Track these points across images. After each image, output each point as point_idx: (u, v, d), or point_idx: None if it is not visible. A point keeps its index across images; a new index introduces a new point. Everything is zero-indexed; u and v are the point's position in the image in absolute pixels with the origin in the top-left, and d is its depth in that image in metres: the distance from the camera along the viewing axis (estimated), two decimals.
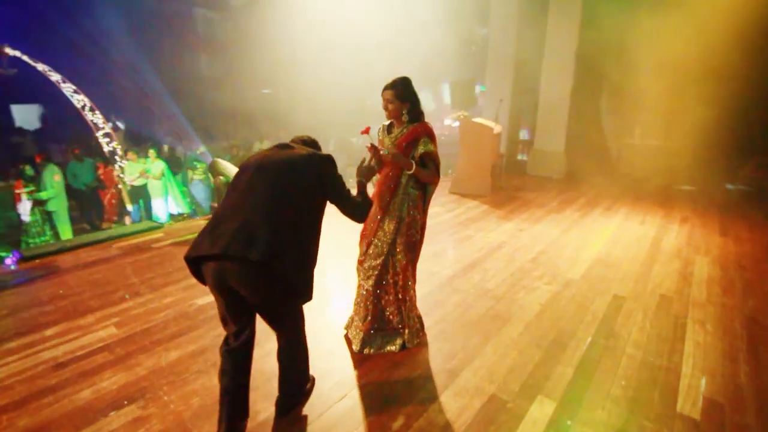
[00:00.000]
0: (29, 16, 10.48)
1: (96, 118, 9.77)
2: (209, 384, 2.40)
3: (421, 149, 2.41)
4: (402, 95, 2.37)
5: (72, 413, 2.21)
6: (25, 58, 8.81)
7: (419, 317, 2.83)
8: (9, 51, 8.82)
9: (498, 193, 7.00)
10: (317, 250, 1.93)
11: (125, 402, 2.28)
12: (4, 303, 3.38)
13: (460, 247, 4.58)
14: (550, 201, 6.59)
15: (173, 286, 3.68)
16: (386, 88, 2.38)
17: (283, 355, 2.04)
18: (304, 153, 1.94)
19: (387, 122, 2.58)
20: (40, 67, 8.94)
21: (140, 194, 8.00)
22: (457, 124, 6.82)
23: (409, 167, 2.37)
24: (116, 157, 9.61)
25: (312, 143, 2.20)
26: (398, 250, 2.53)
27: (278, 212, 1.74)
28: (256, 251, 1.63)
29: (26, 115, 15.92)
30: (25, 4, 9.51)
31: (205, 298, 3.40)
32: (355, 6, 9.54)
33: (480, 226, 5.31)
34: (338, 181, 1.95)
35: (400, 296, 2.60)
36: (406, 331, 2.65)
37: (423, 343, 2.77)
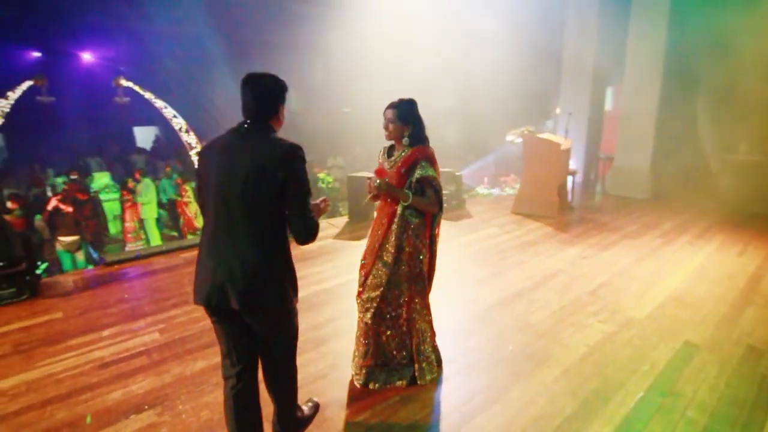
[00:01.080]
0: (142, 51, 12.32)
1: (190, 138, 10.97)
2: (220, 399, 2.45)
3: (418, 173, 2.24)
4: (404, 117, 2.25)
5: (100, 412, 2.41)
6: (136, 88, 10.29)
7: (436, 350, 2.62)
8: (123, 82, 10.36)
9: (566, 215, 6.41)
10: (289, 254, 1.77)
11: (146, 407, 2.43)
12: (80, 304, 3.84)
13: (508, 274, 4.24)
14: (628, 225, 5.86)
15: None
16: (388, 107, 2.27)
17: (273, 379, 1.95)
18: (270, 146, 1.64)
19: (388, 144, 2.46)
20: (147, 95, 10.36)
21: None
22: (519, 141, 6.42)
23: (405, 199, 2.21)
24: None
25: (263, 115, 1.72)
26: (401, 281, 2.35)
27: (250, 240, 1.64)
28: (236, 302, 1.63)
29: (145, 136, 18.56)
30: (141, 42, 11.21)
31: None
32: (422, 26, 9.60)
33: (538, 250, 4.88)
34: (302, 188, 1.66)
35: (404, 329, 2.43)
36: (416, 365, 2.48)
37: (440, 379, 2.56)
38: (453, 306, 3.61)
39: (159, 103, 10.56)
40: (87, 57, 13.86)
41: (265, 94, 1.71)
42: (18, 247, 4.01)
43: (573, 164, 8.33)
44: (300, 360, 2.76)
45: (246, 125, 1.70)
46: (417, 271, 2.35)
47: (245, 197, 1.61)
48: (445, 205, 6.58)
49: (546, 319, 3.31)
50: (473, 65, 9.04)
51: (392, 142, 2.39)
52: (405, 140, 2.28)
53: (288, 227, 1.72)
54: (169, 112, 10.65)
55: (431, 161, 2.28)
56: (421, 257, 2.36)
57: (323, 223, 6.41)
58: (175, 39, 12.13)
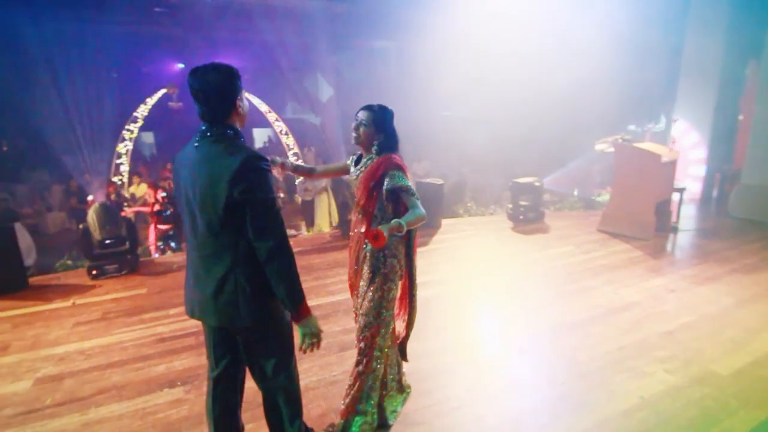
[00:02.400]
0: (255, 62, 13.86)
1: (289, 140, 11.90)
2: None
3: (388, 184, 1.94)
4: (378, 123, 2.01)
5: (144, 381, 2.74)
6: (246, 93, 11.48)
7: (381, 407, 2.20)
8: (170, 89, 11.32)
9: (665, 238, 5.50)
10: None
11: (179, 383, 2.70)
12: (162, 283, 4.42)
13: (571, 300, 3.79)
14: (743, 256, 4.82)
15: None
16: (363, 108, 2.04)
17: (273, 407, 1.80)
18: (226, 157, 1.48)
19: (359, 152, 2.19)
20: (255, 100, 11.53)
21: (309, 208, 9.33)
22: (611, 150, 5.68)
23: (400, 230, 1.78)
24: None
25: (218, 116, 1.55)
26: (370, 307, 2.04)
27: (216, 256, 1.56)
28: (213, 318, 1.61)
29: (260, 136, 20.87)
30: (255, 55, 12.66)
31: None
32: (518, 28, 9.08)
33: (614, 276, 4.28)
34: (262, 206, 1.48)
35: (360, 368, 2.08)
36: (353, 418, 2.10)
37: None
38: (492, 329, 3.35)
39: (264, 108, 11.66)
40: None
41: (214, 91, 1.50)
42: (123, 230, 4.77)
43: (684, 178, 7.16)
44: (320, 362, 2.84)
45: (202, 131, 1.55)
46: (390, 297, 2.05)
47: (204, 213, 1.52)
48: (521, 217, 6.23)
49: (598, 357, 2.88)
50: (566, 65, 8.28)
51: (360, 150, 2.15)
52: (374, 148, 2.03)
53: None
54: (272, 116, 11.69)
55: (401, 169, 1.98)
56: (395, 278, 2.05)
57: None
58: (284, 49, 13.41)
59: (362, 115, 2.03)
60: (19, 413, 2.45)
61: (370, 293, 2.03)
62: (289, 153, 11.87)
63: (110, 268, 4.54)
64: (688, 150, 7.45)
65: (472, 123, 13.70)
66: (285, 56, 15.66)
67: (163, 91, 10.75)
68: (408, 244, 2.13)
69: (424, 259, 4.92)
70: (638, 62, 7.26)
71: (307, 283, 4.27)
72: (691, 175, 7.60)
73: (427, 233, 5.93)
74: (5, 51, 10.26)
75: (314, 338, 1.61)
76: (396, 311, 2.15)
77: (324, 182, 7.56)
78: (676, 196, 5.91)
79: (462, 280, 4.30)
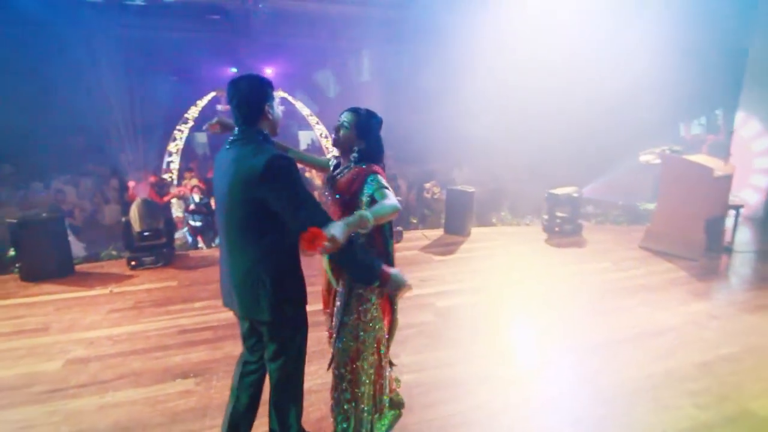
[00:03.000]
0: (303, 67, 14.39)
1: (328, 143, 12.13)
2: None
3: (367, 193, 1.77)
4: (361, 128, 1.85)
5: (160, 370, 2.87)
6: (289, 97, 11.91)
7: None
8: (280, 93, 12.06)
9: (715, 259, 5.04)
10: (289, 266, 1.72)
11: (191, 375, 2.80)
12: (192, 277, 4.62)
13: (598, 320, 3.56)
14: None
15: None
16: (347, 110, 1.89)
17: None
18: (252, 157, 1.58)
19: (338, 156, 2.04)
20: (298, 104, 11.88)
21: None
22: (657, 162, 5.30)
23: (364, 224, 1.48)
24: None
25: (249, 120, 1.67)
26: (346, 331, 1.89)
27: (241, 250, 1.67)
28: (238, 309, 1.74)
29: (305, 139, 21.51)
30: (303, 60, 13.18)
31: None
32: (573, 33, 8.73)
33: (652, 298, 3.98)
34: (295, 200, 1.55)
35: (342, 395, 1.94)
36: None
37: None
38: (511, 344, 3.21)
39: (306, 111, 11.96)
40: (268, 71, 16.67)
41: (245, 98, 1.64)
42: (161, 224, 5.04)
43: (745, 189, 6.58)
44: (316, 369, 2.83)
45: (235, 134, 1.69)
46: (369, 318, 1.89)
47: (232, 210, 1.64)
48: (556, 229, 5.96)
49: (621, 384, 2.68)
50: (615, 70, 7.81)
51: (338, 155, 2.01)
52: (353, 155, 1.86)
53: (292, 237, 1.63)
54: (313, 119, 11.97)
55: (377, 173, 1.81)
56: (372, 299, 1.89)
57: (418, 233, 6.38)
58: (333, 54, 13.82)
59: (345, 116, 1.86)
60: (46, 391, 2.64)
61: (346, 317, 1.88)
62: (328, 155, 12.09)
63: (147, 260, 4.81)
64: (754, 157, 6.84)
65: (514, 129, 13.33)
66: (332, 61, 16.03)
67: (212, 94, 11.32)
68: (386, 252, 1.93)
69: (447, 267, 4.82)
70: (695, 66, 6.71)
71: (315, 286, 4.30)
72: (754, 185, 6.96)
73: (454, 241, 5.80)
74: (74, 56, 11.21)
75: (403, 290, 1.78)
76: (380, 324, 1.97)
77: None
78: (731, 213, 5.41)
79: (484, 291, 4.17)
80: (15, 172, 11.16)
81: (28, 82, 11.52)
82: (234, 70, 17.49)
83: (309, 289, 1.78)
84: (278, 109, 1.76)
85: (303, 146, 18.27)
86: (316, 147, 17.11)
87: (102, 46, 12.72)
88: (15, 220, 4.28)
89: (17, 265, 4.42)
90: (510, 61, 10.81)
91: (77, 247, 5.42)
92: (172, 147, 10.65)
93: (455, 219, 6.12)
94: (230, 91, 1.66)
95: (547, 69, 9.33)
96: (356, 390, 1.89)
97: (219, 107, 11.90)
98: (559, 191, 6.17)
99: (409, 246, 5.64)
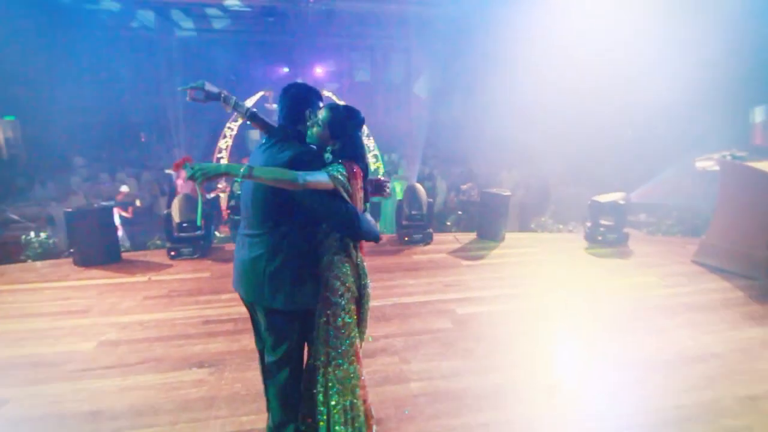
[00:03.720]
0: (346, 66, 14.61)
1: (370, 142, 12.20)
2: (257, 377, 2.73)
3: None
4: (334, 126, 1.77)
5: (180, 358, 3.01)
6: (333, 97, 12.11)
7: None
8: (325, 92, 12.35)
9: None
10: (301, 259, 1.79)
11: (206, 365, 2.92)
12: (226, 269, 4.80)
13: (632, 339, 3.28)
14: None
15: None
16: (325, 106, 1.82)
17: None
18: (284, 151, 1.73)
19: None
20: (342, 103, 12.01)
21: (377, 210, 9.48)
22: (716, 169, 4.81)
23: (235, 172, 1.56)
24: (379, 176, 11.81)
25: (291, 121, 1.84)
26: (315, 336, 1.87)
27: (257, 237, 1.80)
28: (243, 292, 1.89)
29: (365, 132, 22.11)
30: (354, 60, 13.38)
31: None
32: (628, 32, 8.17)
33: (698, 319, 3.61)
34: (314, 194, 1.67)
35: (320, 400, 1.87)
36: None
37: None
38: (532, 359, 3.03)
39: None
40: (318, 70, 17.10)
41: (293, 102, 1.84)
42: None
43: None
44: None
45: (275, 131, 1.87)
46: (337, 323, 1.83)
47: (255, 199, 1.77)
48: (599, 238, 5.59)
49: (646, 413, 2.45)
50: (674, 69, 7.17)
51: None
52: (326, 155, 1.80)
53: (306, 231, 1.80)
54: None
55: (344, 167, 1.73)
56: (341, 303, 1.82)
57: (450, 236, 6.25)
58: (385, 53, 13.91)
59: (320, 113, 1.79)
60: (77, 369, 2.86)
61: (316, 319, 1.85)
62: (369, 155, 12.18)
63: (185, 251, 5.08)
64: None
65: (566, 132, 12.68)
66: (385, 61, 16.13)
67: (261, 93, 11.75)
68: (354, 257, 1.87)
69: (474, 273, 4.67)
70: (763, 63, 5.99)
71: (395, 279, 4.38)
72: None
73: (486, 246, 5.62)
74: (141, 58, 12.13)
75: None
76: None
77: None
78: None
79: (509, 301, 3.99)
80: (86, 164, 12.19)
81: (101, 83, 12.59)
82: (286, 69, 18.09)
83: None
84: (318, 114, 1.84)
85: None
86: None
87: (164, 48, 13.63)
88: (70, 210, 4.67)
89: (71, 250, 4.83)
90: (562, 61, 10.31)
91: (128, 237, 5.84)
92: (222, 144, 11.17)
93: (489, 223, 5.93)
94: (281, 93, 1.88)
95: (600, 69, 8.80)
96: (329, 398, 1.84)
97: (267, 105, 12.43)
98: (603, 198, 5.78)
99: (438, 249, 5.53)
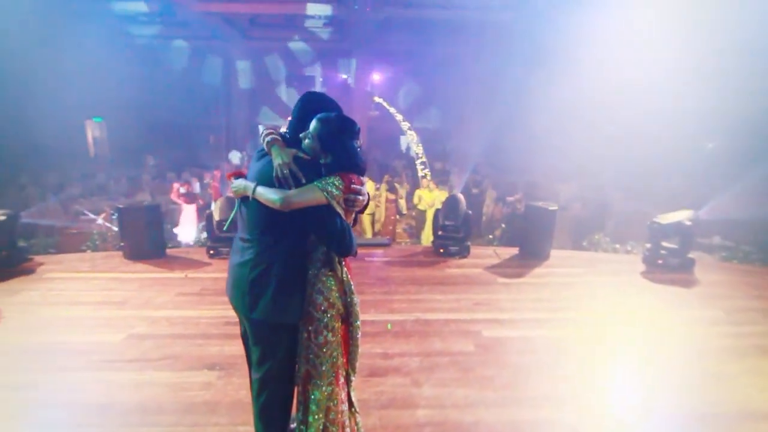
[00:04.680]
0: (403, 73, 14.63)
1: (418, 149, 12.08)
2: None
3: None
4: (324, 139, 1.68)
5: (196, 357, 3.07)
6: (385, 103, 12.14)
7: None
8: (376, 99, 12.39)
9: None
10: (292, 270, 1.73)
11: (217, 368, 2.94)
12: None
13: (684, 385, 2.85)
14: None
15: None
16: (316, 117, 1.71)
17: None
18: (268, 165, 1.69)
19: None
20: (392, 110, 12.03)
21: (422, 218, 9.31)
22: None
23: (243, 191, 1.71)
24: (423, 181, 11.62)
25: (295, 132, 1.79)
26: (298, 352, 1.79)
27: (250, 246, 1.74)
28: (230, 295, 1.83)
29: (404, 143, 21.99)
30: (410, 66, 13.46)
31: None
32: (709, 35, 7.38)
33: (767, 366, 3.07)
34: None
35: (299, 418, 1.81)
36: None
37: None
38: (558, 397, 2.72)
39: (399, 117, 12.07)
40: (376, 77, 17.32)
41: (302, 111, 1.77)
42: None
43: None
44: None
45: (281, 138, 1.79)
46: (318, 341, 1.73)
47: (249, 206, 1.72)
48: (659, 262, 5.02)
49: None
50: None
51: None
52: (322, 170, 1.72)
53: (296, 241, 1.72)
54: (405, 124, 12.03)
55: (340, 180, 1.66)
56: (323, 320, 1.73)
57: (489, 249, 5.93)
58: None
59: (311, 124, 1.71)
60: (102, 360, 3.00)
61: (298, 335, 1.78)
62: (417, 162, 12.04)
63: (224, 250, 5.24)
64: None
65: (630, 140, 11.70)
66: (438, 66, 16.00)
67: None
68: (340, 272, 1.77)
69: (509, 292, 4.36)
70: None
71: (374, 295, 4.21)
72: None
73: (527, 264, 5.25)
74: (210, 65, 12.97)
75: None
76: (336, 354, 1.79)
77: None
78: None
79: (545, 326, 3.65)
80: (157, 164, 13.20)
81: (180, 90, 13.64)
82: (344, 76, 18.50)
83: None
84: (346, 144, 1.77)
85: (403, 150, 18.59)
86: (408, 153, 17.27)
87: (230, 58, 14.43)
88: (122, 206, 5.01)
89: (121, 244, 5.17)
90: (628, 62, 9.54)
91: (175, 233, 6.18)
92: None
93: (533, 238, 5.54)
94: (297, 103, 1.81)
95: (673, 69, 8.01)
96: (307, 418, 1.75)
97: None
98: (666, 219, 5.18)
99: (474, 263, 5.25)
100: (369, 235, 8.95)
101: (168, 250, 5.43)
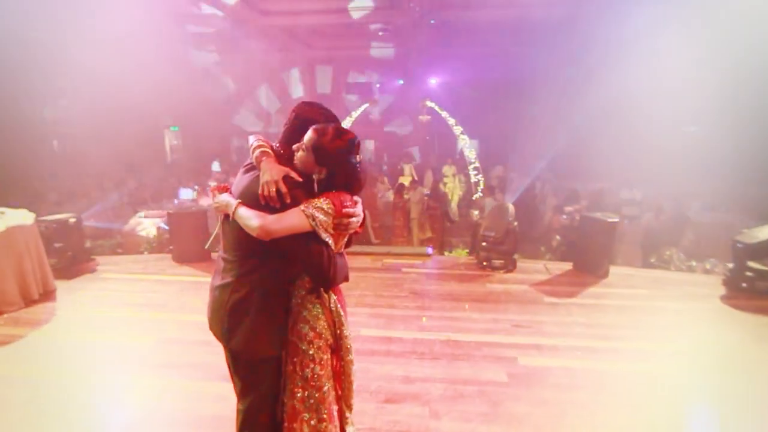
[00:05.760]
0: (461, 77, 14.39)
1: (471, 154, 11.67)
2: None
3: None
4: (319, 151, 1.51)
5: (215, 366, 2.96)
6: (436, 108, 11.86)
7: None
8: (428, 103, 12.14)
9: None
10: (268, 299, 1.58)
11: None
12: None
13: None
14: None
15: (368, 308, 4.02)
16: (312, 127, 1.55)
17: None
18: (251, 182, 1.56)
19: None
20: (444, 114, 11.72)
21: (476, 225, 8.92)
22: None
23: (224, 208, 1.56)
24: (478, 189, 11.20)
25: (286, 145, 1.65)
26: (283, 385, 1.63)
27: (226, 271, 1.63)
28: (208, 314, 1.71)
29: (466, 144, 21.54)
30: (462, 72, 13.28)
31: (369, 331, 3.56)
32: None
33: None
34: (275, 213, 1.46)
35: None
36: None
37: None
38: None
39: (451, 121, 11.73)
40: (433, 81, 17.08)
41: (294, 123, 1.63)
42: None
43: None
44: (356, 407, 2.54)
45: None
46: (305, 374, 1.57)
47: (231, 224, 1.57)
48: (743, 285, 4.28)
49: None
50: None
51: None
52: (314, 183, 1.57)
53: (280, 267, 1.56)
54: (458, 128, 11.67)
55: (329, 202, 1.48)
56: (310, 352, 1.57)
57: (539, 264, 5.45)
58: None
59: (307, 136, 1.53)
60: (128, 363, 3.09)
61: (284, 366, 1.62)
62: (470, 167, 11.63)
63: None
64: None
65: (718, 143, 10.33)
66: (496, 69, 15.44)
67: (365, 105, 12.12)
68: (327, 301, 1.60)
69: (557, 314, 3.93)
70: None
71: (404, 310, 4.00)
72: None
73: (581, 282, 4.73)
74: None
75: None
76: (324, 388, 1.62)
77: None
78: None
79: (595, 358, 3.21)
80: (224, 170, 13.93)
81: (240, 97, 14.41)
82: (401, 82, 18.45)
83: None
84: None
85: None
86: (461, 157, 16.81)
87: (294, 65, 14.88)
88: (170, 211, 5.26)
89: (170, 247, 5.42)
90: (718, 62, 8.48)
91: None
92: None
93: (589, 254, 4.99)
94: (291, 114, 1.67)
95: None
96: None
97: (372, 117, 12.86)
98: (754, 235, 4.42)
99: (520, 279, 4.84)
100: (416, 241, 8.73)
101: (213, 254, 5.60)
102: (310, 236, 1.46)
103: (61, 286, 4.55)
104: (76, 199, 7.97)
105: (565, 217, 6.96)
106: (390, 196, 9.63)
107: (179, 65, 12.04)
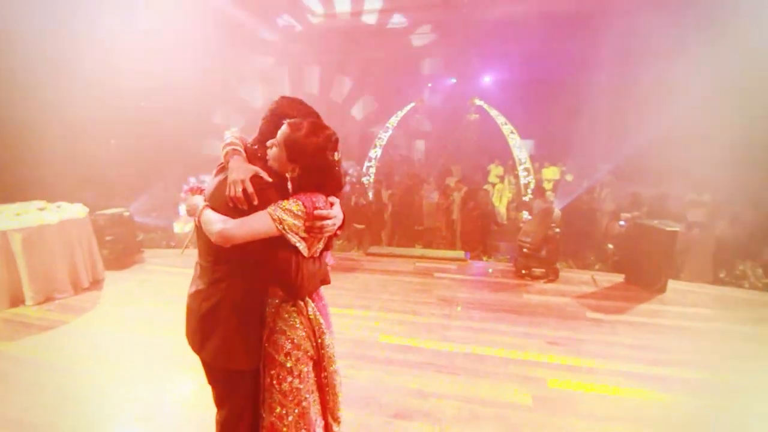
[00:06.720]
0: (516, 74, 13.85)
1: (521, 154, 11.11)
2: None
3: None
4: (292, 147, 1.39)
5: None
6: (485, 106, 11.39)
7: None
8: (476, 101, 11.72)
9: None
10: (245, 311, 1.51)
11: None
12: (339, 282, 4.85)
13: None
14: None
15: (392, 314, 3.88)
16: (286, 121, 1.44)
17: None
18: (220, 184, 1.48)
19: None
20: (493, 112, 11.22)
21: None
22: None
23: (193, 211, 1.48)
24: (528, 191, 10.65)
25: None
26: (262, 398, 1.53)
27: (200, 278, 1.57)
28: (189, 339, 1.63)
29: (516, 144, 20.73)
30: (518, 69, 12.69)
31: (388, 338, 3.42)
32: None
33: None
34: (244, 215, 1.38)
35: None
36: None
37: None
38: None
39: (500, 120, 11.23)
40: (486, 79, 16.55)
41: (270, 119, 1.52)
42: None
43: None
44: (362, 421, 2.42)
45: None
46: (283, 388, 1.47)
47: (198, 230, 1.50)
48: None
49: None
50: None
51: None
52: (288, 179, 1.47)
53: (253, 273, 1.48)
54: (507, 128, 11.15)
55: (299, 203, 1.38)
56: (288, 364, 1.46)
57: (587, 274, 5.00)
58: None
59: (280, 129, 1.43)
60: (148, 361, 3.18)
61: (261, 378, 1.52)
62: (520, 168, 11.07)
63: None
64: None
65: None
66: (552, 67, 14.68)
67: (412, 104, 11.93)
68: (304, 309, 1.48)
69: (599, 332, 3.54)
70: None
71: (429, 318, 3.80)
72: None
73: (633, 296, 4.26)
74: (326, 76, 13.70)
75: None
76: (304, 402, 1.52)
77: None
78: None
79: (640, 385, 2.83)
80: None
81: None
82: (453, 80, 18.06)
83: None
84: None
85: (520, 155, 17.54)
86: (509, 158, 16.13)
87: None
88: None
89: None
90: None
91: None
92: (372, 153, 11.73)
93: (643, 265, 4.49)
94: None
95: None
96: None
97: (417, 117, 12.60)
98: None
99: (562, 290, 4.45)
100: (459, 244, 8.42)
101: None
102: (277, 242, 1.35)
103: (110, 276, 4.85)
104: (136, 195, 8.55)
105: (622, 223, 6.34)
106: (435, 197, 9.40)
107: (238, 67, 12.58)
